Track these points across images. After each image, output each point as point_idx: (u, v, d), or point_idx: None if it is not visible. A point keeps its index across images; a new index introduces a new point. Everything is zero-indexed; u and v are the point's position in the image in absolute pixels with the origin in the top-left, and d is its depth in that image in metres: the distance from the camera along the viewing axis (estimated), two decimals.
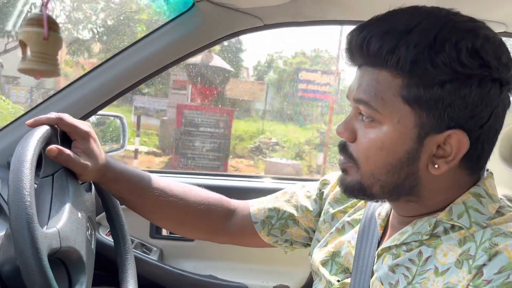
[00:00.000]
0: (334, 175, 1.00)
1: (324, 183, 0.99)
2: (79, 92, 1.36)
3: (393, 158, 0.68)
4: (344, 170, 0.75)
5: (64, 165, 0.83)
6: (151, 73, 1.34)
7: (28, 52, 0.70)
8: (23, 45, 0.71)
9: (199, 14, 1.28)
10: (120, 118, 1.91)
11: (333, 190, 0.96)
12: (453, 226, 0.69)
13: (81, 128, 0.86)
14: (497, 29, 1.27)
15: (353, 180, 0.73)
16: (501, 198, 0.73)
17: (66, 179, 0.83)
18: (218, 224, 1.02)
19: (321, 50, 11.81)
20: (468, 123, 0.65)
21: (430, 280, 0.66)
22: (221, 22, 1.30)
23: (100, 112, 1.53)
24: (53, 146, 0.80)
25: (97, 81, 1.34)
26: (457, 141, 0.66)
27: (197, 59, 9.14)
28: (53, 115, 0.84)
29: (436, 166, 0.68)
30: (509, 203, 0.74)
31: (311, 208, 0.97)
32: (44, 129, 0.80)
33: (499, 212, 0.70)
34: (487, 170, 0.75)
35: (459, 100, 0.64)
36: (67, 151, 0.82)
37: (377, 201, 0.77)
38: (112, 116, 2.05)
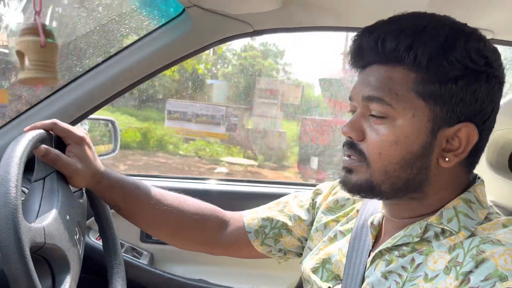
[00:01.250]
0: (326, 184, 1.01)
1: (317, 193, 1.00)
2: (69, 96, 1.35)
3: (407, 152, 0.70)
4: (349, 170, 0.75)
5: (51, 165, 0.84)
6: (142, 77, 1.34)
7: (27, 62, 0.70)
8: (20, 55, 0.71)
9: (189, 20, 1.28)
10: (112, 122, 1.91)
11: (326, 200, 0.97)
12: (443, 231, 0.71)
13: (76, 133, 0.88)
14: None
15: (361, 178, 0.73)
16: (490, 206, 0.74)
17: (57, 182, 0.84)
18: (212, 235, 1.02)
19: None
20: (476, 118, 0.69)
21: (419, 287, 0.67)
22: (211, 28, 1.30)
23: (91, 116, 1.53)
24: (41, 146, 0.81)
25: (87, 86, 1.34)
26: (467, 134, 0.69)
27: (331, 73, 8.92)
28: (48, 120, 0.86)
29: (446, 159, 0.70)
30: (497, 211, 0.75)
31: (304, 217, 0.98)
32: (36, 131, 0.82)
33: (488, 218, 0.71)
34: (479, 178, 0.77)
35: (469, 95, 0.68)
36: (56, 151, 0.84)
37: (380, 199, 0.77)
38: (103, 120, 2.05)
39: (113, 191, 0.93)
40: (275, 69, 11.16)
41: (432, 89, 0.68)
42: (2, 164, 0.71)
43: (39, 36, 0.69)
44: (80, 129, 0.90)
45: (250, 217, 1.02)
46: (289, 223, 0.98)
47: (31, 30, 0.70)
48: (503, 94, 0.74)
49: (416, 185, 0.72)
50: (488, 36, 1.30)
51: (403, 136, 0.69)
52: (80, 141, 0.89)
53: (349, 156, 0.75)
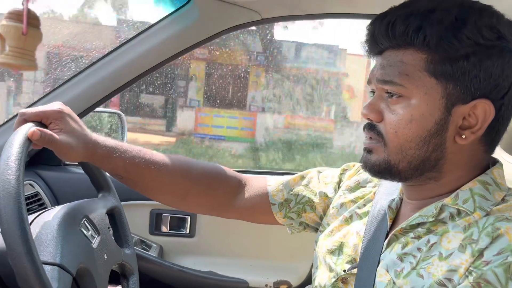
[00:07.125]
0: (354, 165, 1.00)
1: (344, 172, 0.99)
2: (75, 89, 1.35)
3: (422, 129, 0.70)
4: (369, 151, 0.76)
5: (48, 146, 0.79)
6: (149, 68, 1.34)
7: (6, 46, 0.69)
8: (1, 38, 0.70)
9: (196, 9, 1.27)
10: (119, 115, 1.90)
11: (350, 179, 0.96)
12: (459, 212, 0.71)
13: (51, 110, 0.81)
14: None
15: (379, 158, 0.74)
16: (509, 188, 0.74)
17: None
18: (225, 198, 1.01)
19: None
20: (492, 93, 0.69)
21: (434, 265, 0.68)
22: (218, 17, 1.29)
23: (97, 109, 1.52)
24: (34, 129, 0.75)
25: (94, 78, 1.33)
26: (483, 110, 0.69)
27: None
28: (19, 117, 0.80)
29: (463, 136, 0.70)
30: None
31: (330, 195, 0.97)
32: (28, 125, 0.77)
33: (504, 200, 0.71)
34: (498, 161, 0.77)
35: (483, 71, 0.68)
36: (48, 131, 0.78)
37: (398, 181, 0.77)
38: (110, 112, 2.05)
39: (111, 160, 0.89)
40: None
41: (443, 67, 0.68)
42: (2, 159, 0.68)
43: (22, 22, 0.68)
44: (53, 104, 0.83)
45: (274, 187, 1.00)
46: (315, 200, 0.97)
47: (16, 15, 0.68)
48: None
49: (433, 163, 0.72)
50: None
51: (418, 114, 0.70)
52: (58, 115, 0.81)
53: (370, 138, 0.76)
